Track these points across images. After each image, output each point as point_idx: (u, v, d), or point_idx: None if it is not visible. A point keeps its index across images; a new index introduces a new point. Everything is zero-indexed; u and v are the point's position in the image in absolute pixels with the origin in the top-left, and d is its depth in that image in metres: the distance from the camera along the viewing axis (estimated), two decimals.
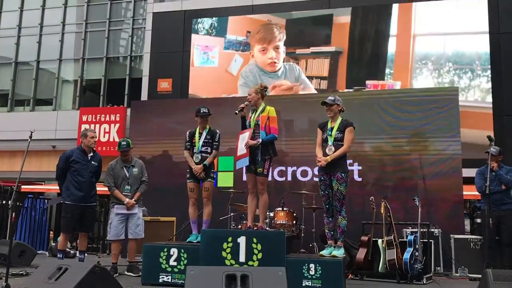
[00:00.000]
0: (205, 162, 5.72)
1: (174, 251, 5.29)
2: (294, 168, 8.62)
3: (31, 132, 5.09)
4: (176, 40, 14.71)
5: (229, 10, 14.55)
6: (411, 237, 6.21)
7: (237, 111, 5.46)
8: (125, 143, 6.37)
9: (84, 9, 17.05)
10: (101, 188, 7.09)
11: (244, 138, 5.33)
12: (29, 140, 5.12)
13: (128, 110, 13.20)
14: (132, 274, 6.09)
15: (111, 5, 16.88)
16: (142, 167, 6.50)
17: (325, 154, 5.11)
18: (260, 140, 5.27)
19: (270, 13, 14.06)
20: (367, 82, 12.74)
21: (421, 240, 6.32)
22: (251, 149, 5.29)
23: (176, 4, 15.33)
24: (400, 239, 6.39)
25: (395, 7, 13.08)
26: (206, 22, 14.61)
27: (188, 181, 5.84)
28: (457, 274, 6.89)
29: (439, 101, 8.28)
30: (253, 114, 5.49)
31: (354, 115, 7.23)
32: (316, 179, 7.83)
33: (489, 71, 12.19)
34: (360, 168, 8.28)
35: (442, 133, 8.09)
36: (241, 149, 5.33)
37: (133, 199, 6.25)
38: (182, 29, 14.77)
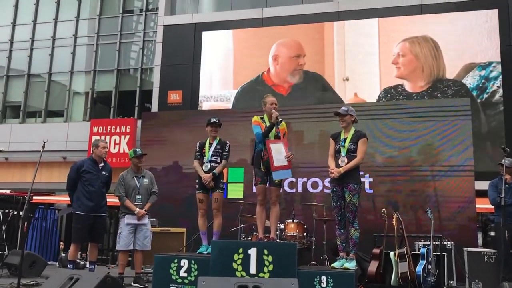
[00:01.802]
0: (214, 171, 5.70)
1: (184, 262, 5.24)
2: (305, 179, 8.56)
3: (44, 143, 5.13)
4: (186, 52, 14.84)
5: (239, 23, 14.68)
6: (423, 250, 6.12)
7: (279, 119, 5.35)
8: (139, 149, 6.54)
9: (96, 22, 17.29)
10: (111, 199, 7.09)
11: (279, 148, 5.28)
12: (42, 150, 5.16)
13: (139, 122, 13.30)
14: (138, 285, 6.08)
15: (122, 18, 17.10)
16: (152, 178, 6.53)
17: (337, 165, 5.08)
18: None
19: (279, 25, 14.15)
20: None
21: (433, 253, 6.23)
22: (267, 161, 5.27)
23: (186, 17, 15.50)
24: (412, 252, 6.30)
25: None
26: None
27: (197, 192, 5.81)
28: None
29: (451, 113, 8.22)
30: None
31: (365, 126, 7.21)
32: (326, 191, 7.80)
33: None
34: (371, 180, 8.22)
35: (454, 145, 8.02)
36: (280, 160, 5.25)
37: (144, 209, 6.25)
38: (193, 41, 14.91)
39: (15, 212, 8.49)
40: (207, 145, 5.87)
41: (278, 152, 5.27)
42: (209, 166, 5.75)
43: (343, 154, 5.09)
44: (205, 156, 5.83)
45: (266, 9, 14.64)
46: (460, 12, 12.82)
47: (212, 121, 5.87)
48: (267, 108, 5.46)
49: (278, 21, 14.24)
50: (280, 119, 5.33)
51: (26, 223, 8.17)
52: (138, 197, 6.29)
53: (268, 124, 5.42)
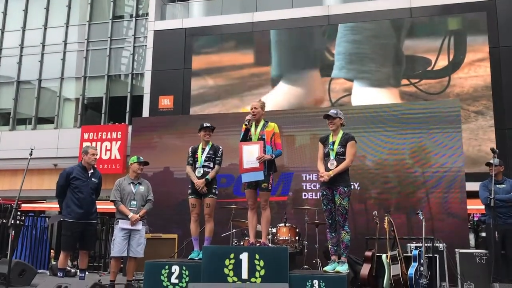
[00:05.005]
0: (207, 177, 5.68)
1: (175, 269, 5.21)
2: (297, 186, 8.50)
3: (31, 150, 5.08)
4: (177, 57, 14.83)
5: (229, 28, 14.70)
6: (415, 252, 6.11)
7: (246, 123, 5.42)
8: (142, 158, 6.45)
9: (86, 28, 17.23)
10: (102, 206, 7.04)
11: (253, 150, 5.27)
12: (30, 157, 5.11)
13: (130, 128, 13.25)
14: None
15: (112, 23, 17.06)
16: (149, 186, 6.48)
17: (327, 169, 5.07)
18: (274, 155, 5.28)
19: (270, 29, 14.18)
20: None
21: (425, 255, 6.23)
22: None
23: (176, 22, 15.50)
24: (404, 254, 6.29)
25: None
26: None
27: (190, 197, 5.79)
28: None
29: (440, 115, 8.24)
30: (253, 129, 5.46)
31: (355, 129, 7.22)
32: (318, 196, 7.77)
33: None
34: (362, 183, 8.20)
35: (444, 147, 8.04)
36: (251, 162, 5.25)
37: (138, 215, 6.19)
38: (183, 46, 14.90)
39: (4, 220, 8.39)
40: (199, 150, 5.86)
41: (250, 154, 5.27)
42: (202, 172, 5.74)
43: (332, 157, 5.08)
44: (197, 161, 5.82)
45: (256, 14, 14.67)
46: None
47: (205, 125, 5.87)
48: None
49: (268, 25, 14.28)
50: (246, 123, 5.38)
51: (14, 232, 8.08)
52: (133, 202, 6.21)
53: (255, 128, 5.45)
